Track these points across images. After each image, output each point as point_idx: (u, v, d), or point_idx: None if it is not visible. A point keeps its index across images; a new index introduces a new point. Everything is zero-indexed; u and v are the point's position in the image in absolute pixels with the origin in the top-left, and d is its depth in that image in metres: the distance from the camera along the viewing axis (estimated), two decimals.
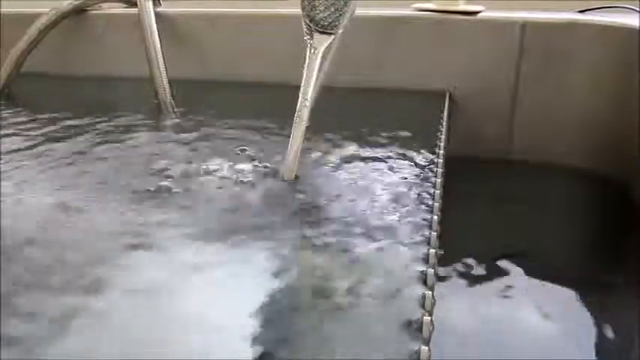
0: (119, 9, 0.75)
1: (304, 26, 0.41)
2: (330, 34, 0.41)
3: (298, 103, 0.41)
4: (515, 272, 0.48)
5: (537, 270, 0.49)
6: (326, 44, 0.41)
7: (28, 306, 0.28)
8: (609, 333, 0.42)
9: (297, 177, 0.42)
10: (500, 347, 0.41)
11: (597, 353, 0.40)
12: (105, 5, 0.76)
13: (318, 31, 0.41)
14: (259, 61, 0.71)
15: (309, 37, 0.41)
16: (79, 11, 0.74)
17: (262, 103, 0.64)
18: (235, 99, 0.67)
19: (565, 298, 0.46)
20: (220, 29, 0.72)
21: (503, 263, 0.49)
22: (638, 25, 0.59)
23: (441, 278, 0.47)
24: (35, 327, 0.27)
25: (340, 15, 0.40)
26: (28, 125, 0.56)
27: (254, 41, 0.71)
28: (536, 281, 0.48)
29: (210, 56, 0.73)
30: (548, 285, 0.47)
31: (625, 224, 0.56)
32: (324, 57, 0.41)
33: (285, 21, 0.69)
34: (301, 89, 0.41)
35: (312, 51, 0.41)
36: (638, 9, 0.62)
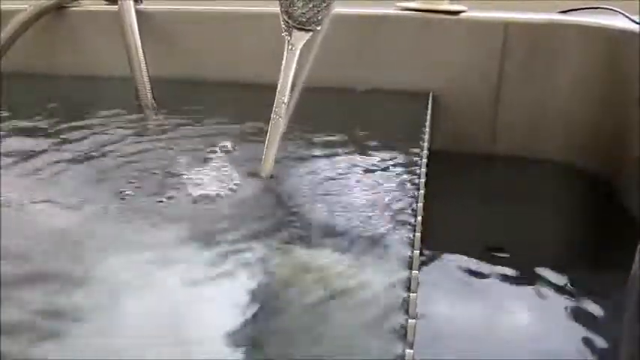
0: (99, 6, 0.74)
1: (282, 23, 0.40)
2: (309, 30, 0.40)
3: (275, 101, 0.40)
4: (503, 268, 0.48)
5: (522, 265, 0.48)
6: (304, 41, 0.40)
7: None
8: (595, 330, 0.41)
9: (275, 176, 0.41)
10: (486, 344, 0.40)
11: (584, 350, 0.40)
12: (85, 2, 0.75)
13: (296, 27, 0.40)
14: (241, 60, 0.70)
15: (287, 33, 0.40)
16: (58, 8, 0.73)
17: (244, 102, 0.63)
18: (218, 99, 0.66)
19: (549, 294, 0.45)
20: (202, 27, 0.71)
21: (489, 258, 0.49)
22: (619, 25, 0.59)
23: (424, 275, 0.46)
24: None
25: (319, 11, 0.40)
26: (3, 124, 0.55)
27: (236, 40, 0.70)
28: (520, 276, 0.47)
29: (192, 55, 0.72)
30: (536, 281, 0.47)
31: (608, 219, 0.56)
32: (303, 55, 0.41)
33: (267, 19, 0.68)
34: (278, 87, 0.40)
35: (290, 48, 0.40)
36: (619, 10, 0.63)
